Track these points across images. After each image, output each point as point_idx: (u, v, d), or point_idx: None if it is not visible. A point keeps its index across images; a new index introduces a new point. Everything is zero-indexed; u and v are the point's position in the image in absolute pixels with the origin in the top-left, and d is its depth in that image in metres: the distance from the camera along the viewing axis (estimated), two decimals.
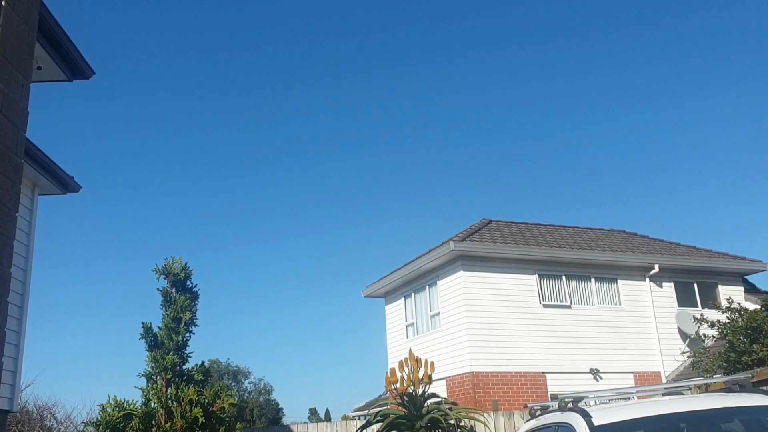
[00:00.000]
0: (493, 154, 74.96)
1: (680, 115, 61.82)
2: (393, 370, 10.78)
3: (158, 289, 10.38)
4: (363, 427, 11.23)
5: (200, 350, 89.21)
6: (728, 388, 5.59)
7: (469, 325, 18.63)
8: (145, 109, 75.65)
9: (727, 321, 14.71)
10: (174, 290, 10.45)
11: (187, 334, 10.03)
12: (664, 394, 6.34)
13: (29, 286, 10.06)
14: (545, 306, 19.67)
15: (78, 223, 74.34)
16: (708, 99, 62.64)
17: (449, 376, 18.99)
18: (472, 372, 18.27)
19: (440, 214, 76.62)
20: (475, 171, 73.73)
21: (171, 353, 9.43)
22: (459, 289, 19.07)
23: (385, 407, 11.40)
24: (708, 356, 15.19)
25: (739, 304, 15.25)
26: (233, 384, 64.38)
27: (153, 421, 9.20)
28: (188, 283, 10.59)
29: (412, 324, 21.55)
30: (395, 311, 22.56)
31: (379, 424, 10.80)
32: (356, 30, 76.40)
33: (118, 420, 9.03)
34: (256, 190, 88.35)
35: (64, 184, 11.17)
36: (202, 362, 10.17)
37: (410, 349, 11.93)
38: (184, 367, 9.86)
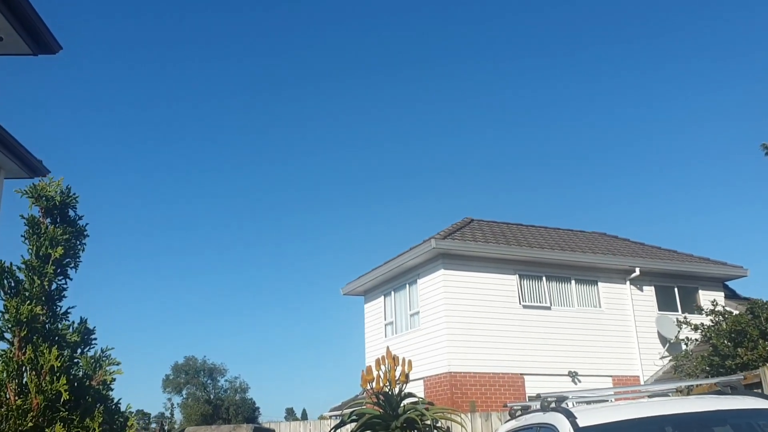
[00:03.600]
0: (478, 155, 75.02)
1: (663, 119, 62.17)
2: (369, 369, 10.43)
3: (22, 216, 6.76)
4: (336, 426, 10.87)
5: (177, 347, 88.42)
6: (719, 391, 5.33)
7: (448, 324, 18.34)
8: (116, 91, 74.73)
9: (711, 324, 14.52)
10: (49, 221, 6.93)
11: (62, 279, 6.61)
12: (650, 396, 6.10)
13: None
14: (525, 307, 19.44)
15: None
16: (691, 104, 63.04)
17: (427, 376, 18.68)
18: (450, 372, 17.98)
19: (424, 215, 76.60)
20: (459, 172, 73.74)
21: (30, 302, 6.24)
22: (439, 287, 18.77)
23: (360, 407, 11.06)
24: (691, 360, 15.00)
25: (723, 307, 15.08)
26: (209, 381, 63.78)
27: None
28: (70, 213, 7.01)
29: (391, 323, 21.23)
30: (374, 310, 22.21)
31: (353, 424, 10.46)
32: (333, 39, 76.08)
33: None
34: (236, 192, 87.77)
35: (32, 167, 10.70)
36: (83, 320, 6.69)
37: (387, 347, 11.59)
38: (55, 325, 6.47)
